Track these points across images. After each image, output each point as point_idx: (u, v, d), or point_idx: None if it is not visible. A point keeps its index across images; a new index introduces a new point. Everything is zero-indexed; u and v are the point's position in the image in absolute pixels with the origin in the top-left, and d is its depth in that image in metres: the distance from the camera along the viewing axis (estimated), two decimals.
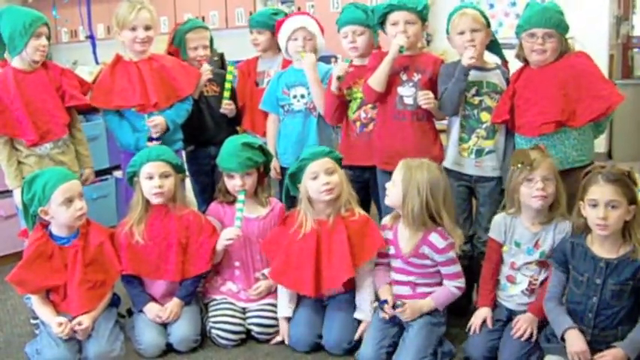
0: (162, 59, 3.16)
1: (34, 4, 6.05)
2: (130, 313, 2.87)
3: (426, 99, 2.79)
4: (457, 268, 2.59)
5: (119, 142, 3.17)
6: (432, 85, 2.87)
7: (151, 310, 2.75)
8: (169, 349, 2.73)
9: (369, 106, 3.02)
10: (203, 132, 3.36)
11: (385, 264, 2.70)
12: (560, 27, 2.63)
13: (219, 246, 2.81)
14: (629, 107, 2.72)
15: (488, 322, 2.56)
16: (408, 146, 2.82)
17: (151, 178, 2.75)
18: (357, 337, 2.65)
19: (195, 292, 2.89)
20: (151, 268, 2.77)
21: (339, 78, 2.96)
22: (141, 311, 2.78)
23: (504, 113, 2.71)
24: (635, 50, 6.48)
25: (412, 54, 2.89)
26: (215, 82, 3.38)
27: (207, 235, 2.82)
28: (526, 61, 2.73)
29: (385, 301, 2.57)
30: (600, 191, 2.23)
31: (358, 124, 3.09)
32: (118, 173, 4.11)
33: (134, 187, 2.82)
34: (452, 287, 2.58)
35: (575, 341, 2.28)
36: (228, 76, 3.34)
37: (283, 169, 3.24)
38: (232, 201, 2.91)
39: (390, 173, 2.66)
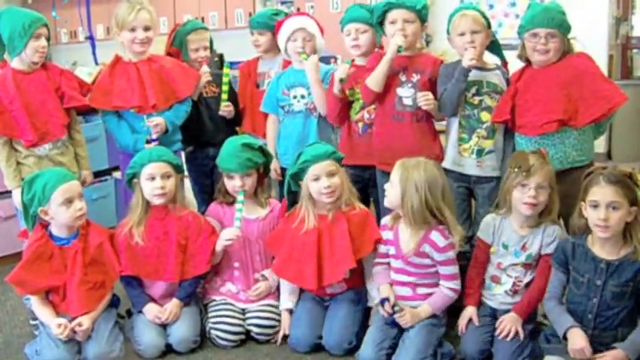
0: (161, 60, 3.15)
1: (33, 5, 6.06)
2: (129, 314, 2.87)
3: (425, 100, 2.79)
4: (455, 269, 2.59)
5: (118, 142, 3.17)
6: (431, 85, 2.87)
7: (151, 310, 2.75)
8: (169, 349, 2.73)
9: (373, 107, 3.01)
10: (202, 133, 3.36)
11: (385, 264, 2.69)
12: (562, 27, 2.63)
13: (219, 246, 2.81)
14: (629, 108, 2.72)
15: (475, 320, 2.58)
16: (407, 147, 2.82)
17: (152, 179, 2.74)
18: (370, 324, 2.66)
19: (195, 293, 2.89)
20: (150, 269, 2.76)
21: (341, 80, 2.96)
22: (140, 312, 2.77)
23: (505, 113, 2.71)
24: (635, 51, 6.47)
25: (411, 54, 2.89)
26: (214, 83, 3.38)
27: (206, 236, 2.82)
28: (528, 61, 2.73)
29: (386, 299, 2.57)
30: (601, 192, 2.23)
31: (361, 124, 3.09)
32: (117, 174, 4.11)
33: (133, 188, 2.82)
34: (447, 289, 2.58)
35: (577, 339, 2.28)
36: (225, 78, 3.34)
37: (284, 170, 3.24)
38: (232, 202, 2.91)
39: (389, 174, 2.66)
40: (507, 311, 2.55)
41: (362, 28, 3.02)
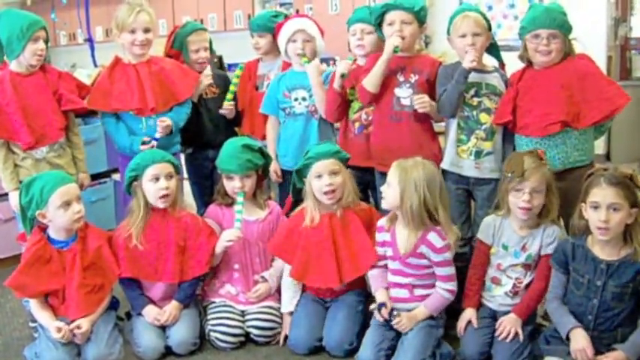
0: (161, 62, 3.15)
1: (32, 7, 6.06)
2: (128, 316, 2.87)
3: (420, 103, 2.80)
4: (451, 270, 2.58)
5: (116, 144, 3.17)
6: (429, 86, 2.87)
7: (150, 312, 2.75)
8: (168, 352, 2.73)
9: (371, 108, 3.01)
10: (202, 134, 3.35)
11: (382, 267, 2.69)
12: (564, 28, 2.63)
13: (219, 248, 2.81)
14: (628, 109, 2.72)
15: (474, 323, 2.58)
16: (405, 147, 2.82)
17: (157, 179, 2.74)
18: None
19: (194, 295, 2.89)
20: (149, 271, 2.76)
21: (342, 75, 2.96)
22: (139, 314, 2.77)
23: (507, 114, 2.70)
24: (634, 52, 6.47)
25: (409, 55, 2.89)
26: (214, 84, 3.37)
27: (205, 237, 2.82)
28: (529, 62, 2.73)
29: (383, 304, 2.57)
30: (602, 194, 2.23)
31: (357, 124, 3.09)
32: (116, 176, 4.11)
33: (132, 191, 2.80)
34: (443, 291, 2.57)
35: (580, 339, 2.28)
36: (235, 79, 3.33)
37: (284, 172, 3.24)
38: (231, 203, 2.91)
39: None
40: (507, 313, 2.55)
41: (367, 29, 3.03)
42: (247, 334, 2.79)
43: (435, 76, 2.86)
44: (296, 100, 3.19)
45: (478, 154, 2.81)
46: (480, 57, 2.77)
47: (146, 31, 3.02)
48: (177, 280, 2.79)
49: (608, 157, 5.75)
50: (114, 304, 2.79)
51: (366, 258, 2.67)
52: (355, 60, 3.11)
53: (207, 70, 3.30)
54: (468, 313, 2.62)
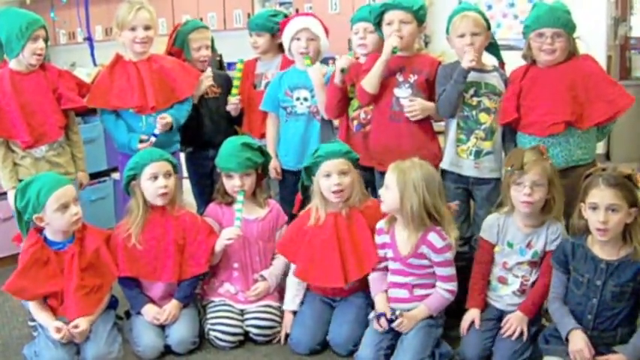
0: (162, 60, 3.14)
1: (32, 6, 6.05)
2: (127, 315, 2.87)
3: (410, 112, 2.80)
4: (452, 271, 2.58)
5: (115, 142, 3.17)
6: (428, 86, 2.87)
7: (149, 311, 2.75)
8: (167, 350, 2.73)
9: (370, 107, 3.01)
10: (202, 134, 3.35)
11: (382, 269, 2.68)
12: (568, 26, 2.63)
13: (219, 246, 2.81)
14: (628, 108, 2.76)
15: (476, 324, 2.56)
16: (405, 147, 2.82)
17: (155, 178, 2.73)
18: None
19: (194, 294, 2.88)
20: (148, 270, 2.76)
21: (342, 70, 2.96)
22: (139, 313, 2.77)
23: (512, 112, 2.70)
24: (633, 51, 6.47)
25: (409, 55, 2.89)
26: (216, 83, 3.37)
27: (204, 236, 2.82)
28: (533, 61, 2.73)
29: (383, 314, 2.55)
30: (600, 195, 2.23)
31: (355, 122, 3.10)
32: (115, 175, 4.11)
33: (131, 191, 2.80)
34: (443, 291, 2.56)
35: (578, 341, 2.28)
36: (237, 74, 3.33)
37: (284, 171, 3.24)
38: (230, 202, 2.91)
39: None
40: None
41: (370, 29, 3.02)
42: (246, 333, 2.79)
43: (435, 75, 2.86)
44: (298, 99, 3.19)
45: (478, 153, 2.80)
46: (479, 56, 2.77)
47: (146, 28, 3.01)
48: (176, 279, 2.78)
49: (607, 156, 5.75)
50: (113, 303, 2.78)
51: (369, 258, 2.67)
52: (358, 58, 3.11)
53: (208, 71, 3.30)
54: (472, 314, 2.60)
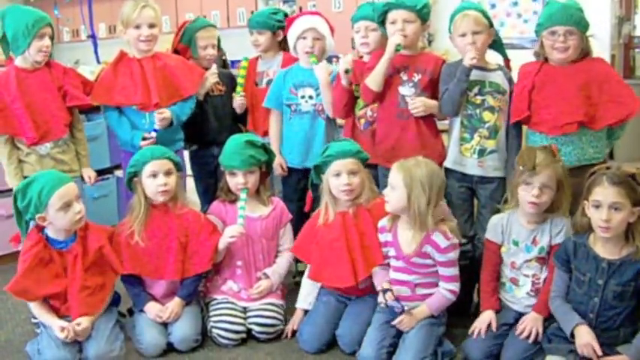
0: (166, 58, 3.15)
1: (35, 3, 6.05)
2: (130, 312, 2.87)
3: (414, 108, 2.81)
4: (455, 271, 2.57)
5: (118, 139, 3.17)
6: (432, 85, 2.87)
7: (152, 309, 2.75)
8: (170, 348, 2.73)
9: (376, 105, 3.01)
10: (207, 132, 3.35)
11: (384, 265, 2.68)
12: (581, 24, 2.62)
13: (222, 244, 2.81)
14: None
15: (493, 326, 2.54)
16: (411, 145, 2.83)
17: (154, 176, 2.74)
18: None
19: (196, 292, 2.89)
20: (151, 268, 2.76)
21: (347, 71, 2.96)
22: (141, 311, 2.77)
23: (524, 110, 2.69)
24: (637, 50, 6.45)
25: (412, 54, 2.89)
26: (221, 81, 3.37)
27: (207, 234, 2.82)
28: (545, 59, 2.72)
29: (390, 290, 2.53)
30: (604, 193, 2.23)
31: (363, 121, 3.10)
32: (119, 172, 4.11)
33: (133, 187, 2.81)
34: (445, 291, 2.56)
35: (584, 335, 2.27)
36: (242, 72, 3.33)
37: (289, 169, 3.23)
38: (234, 200, 2.91)
39: None
40: None
41: (371, 27, 3.03)
42: (249, 331, 2.80)
43: (439, 74, 2.86)
44: (303, 97, 3.19)
45: (481, 152, 2.80)
46: (482, 55, 2.77)
47: (151, 26, 3.02)
48: (179, 277, 2.79)
49: (611, 155, 5.73)
50: (115, 300, 2.78)
51: (376, 257, 2.66)
52: (361, 57, 3.11)
53: (213, 69, 3.30)
54: (487, 316, 2.57)
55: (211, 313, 2.81)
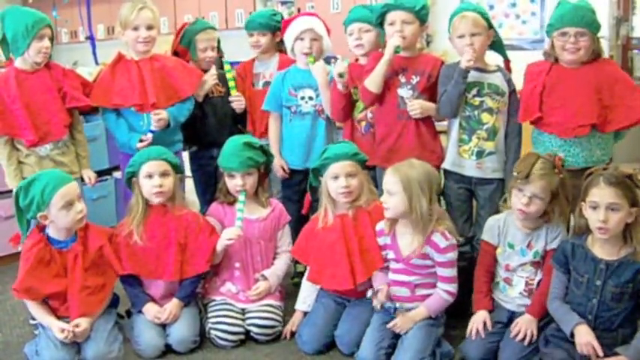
0: (164, 59, 3.15)
1: (34, 5, 6.05)
2: (129, 314, 2.87)
3: (412, 110, 2.82)
4: (453, 272, 2.57)
5: (116, 141, 3.17)
6: (431, 86, 2.87)
7: (150, 310, 2.75)
8: (168, 349, 2.73)
9: (375, 106, 3.01)
10: (207, 133, 3.35)
11: (384, 267, 2.68)
12: (592, 26, 2.61)
13: (220, 246, 2.81)
14: None
15: (488, 325, 2.54)
16: (410, 146, 2.84)
17: (150, 176, 2.75)
18: None
19: (195, 293, 2.89)
20: (149, 268, 2.76)
21: (341, 75, 2.96)
22: (140, 312, 2.77)
23: (535, 110, 2.68)
24: (635, 51, 6.45)
25: (411, 55, 2.89)
26: (220, 82, 3.37)
27: (206, 236, 2.82)
28: (555, 60, 2.71)
29: (380, 290, 2.54)
30: (601, 194, 2.23)
31: (363, 123, 3.10)
32: (117, 174, 4.12)
33: (132, 187, 2.82)
34: (443, 292, 2.56)
35: (584, 334, 2.28)
36: (228, 74, 3.34)
37: (290, 170, 3.23)
38: (233, 201, 2.91)
39: None
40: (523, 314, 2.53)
41: (365, 28, 3.03)
42: (247, 333, 2.79)
43: (438, 75, 2.86)
44: (302, 98, 3.19)
45: (480, 154, 2.80)
46: (480, 56, 2.77)
47: (149, 28, 3.02)
48: (177, 278, 2.79)
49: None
50: (114, 302, 2.78)
51: (375, 260, 2.65)
52: (357, 59, 3.11)
53: (213, 70, 3.30)
54: (482, 315, 2.57)
55: (210, 315, 2.81)
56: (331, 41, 3.27)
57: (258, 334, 2.78)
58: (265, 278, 2.90)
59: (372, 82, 2.84)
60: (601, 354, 2.24)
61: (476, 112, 2.80)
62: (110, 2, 6.86)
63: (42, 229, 2.61)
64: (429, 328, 2.54)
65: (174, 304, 2.76)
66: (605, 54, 5.65)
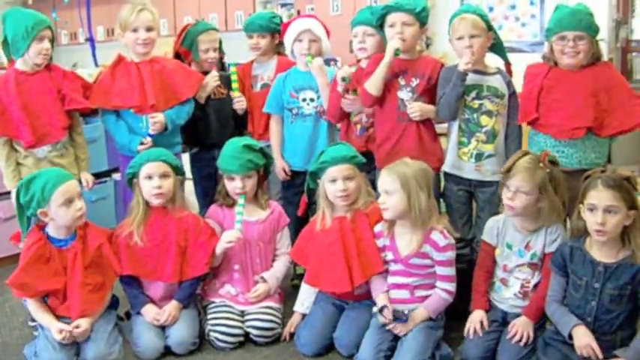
0: (164, 61, 3.15)
1: (33, 6, 6.06)
2: (128, 315, 2.87)
3: (412, 113, 2.83)
4: (452, 271, 2.58)
5: (116, 143, 3.17)
6: (431, 89, 2.88)
7: (149, 312, 2.75)
8: (167, 351, 2.73)
9: (370, 110, 3.01)
10: (208, 135, 3.34)
11: (382, 272, 2.67)
12: (591, 29, 2.62)
13: (219, 249, 2.81)
14: None
15: (485, 324, 2.55)
16: (410, 147, 2.84)
17: (150, 178, 2.75)
18: None
19: (194, 295, 2.89)
20: (149, 269, 2.77)
21: (343, 79, 2.96)
22: (139, 313, 2.77)
23: (532, 112, 2.69)
24: (634, 54, 6.46)
25: (410, 58, 2.90)
26: (222, 84, 3.37)
27: (205, 238, 2.82)
28: (555, 64, 2.72)
29: (385, 306, 2.55)
30: (599, 196, 2.23)
31: (359, 126, 3.10)
32: (116, 176, 4.11)
33: (133, 189, 2.82)
34: (442, 291, 2.56)
35: (583, 336, 2.28)
36: (233, 76, 3.34)
37: (292, 172, 3.23)
38: (232, 204, 2.91)
39: None
40: (518, 315, 2.53)
41: (369, 31, 3.03)
42: (247, 335, 2.79)
43: (437, 77, 2.86)
44: (304, 100, 3.19)
45: (479, 156, 2.80)
46: (479, 58, 2.77)
47: (149, 29, 3.02)
48: (177, 280, 2.79)
49: (608, 159, 5.74)
50: (114, 303, 2.79)
51: (374, 262, 2.65)
52: (359, 61, 3.11)
53: (215, 72, 3.30)
54: (479, 315, 2.58)
55: (209, 317, 2.81)
56: (331, 43, 3.28)
57: (258, 336, 2.78)
58: (264, 280, 2.90)
59: (372, 85, 2.85)
60: (600, 356, 2.24)
61: (475, 115, 2.80)
62: (110, 4, 6.87)
63: (42, 227, 2.62)
64: (429, 330, 2.54)
65: (173, 305, 2.76)
66: (605, 57, 5.69)
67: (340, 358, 2.67)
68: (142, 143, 3.00)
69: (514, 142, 2.81)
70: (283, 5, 6.70)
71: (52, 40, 2.92)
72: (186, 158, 3.42)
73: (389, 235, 2.63)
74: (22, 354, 2.69)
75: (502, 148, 2.82)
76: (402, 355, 2.48)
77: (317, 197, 2.79)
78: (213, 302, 2.87)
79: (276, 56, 3.50)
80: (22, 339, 2.90)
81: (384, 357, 2.52)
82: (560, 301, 2.41)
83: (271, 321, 2.80)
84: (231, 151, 2.87)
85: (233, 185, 2.87)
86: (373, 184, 3.02)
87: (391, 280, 2.64)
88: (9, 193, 2.96)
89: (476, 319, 2.57)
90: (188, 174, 3.35)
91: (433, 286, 2.59)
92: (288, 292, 3.14)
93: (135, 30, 3.00)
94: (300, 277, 3.03)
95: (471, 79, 2.76)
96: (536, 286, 2.55)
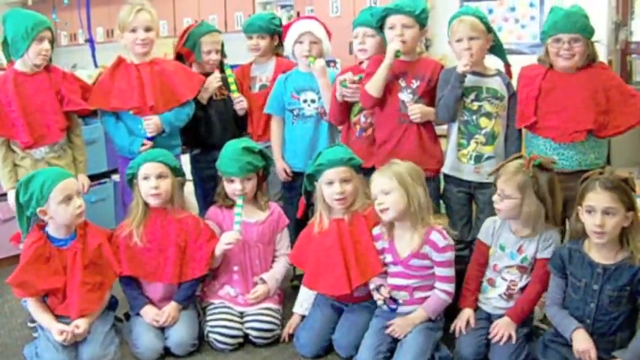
0: (164, 63, 3.15)
1: (33, 7, 6.06)
2: (127, 317, 2.87)
3: (413, 115, 2.83)
4: (451, 272, 2.58)
5: (116, 145, 3.17)
6: (431, 90, 2.88)
7: (148, 313, 2.75)
8: (167, 352, 2.73)
9: (371, 111, 3.01)
10: (210, 136, 3.35)
11: (382, 274, 2.67)
12: (585, 31, 2.62)
13: (219, 250, 2.81)
14: None
15: (472, 322, 2.57)
16: (411, 149, 2.84)
17: (147, 178, 2.75)
18: None
19: (193, 296, 2.89)
20: (148, 270, 2.77)
21: (343, 84, 2.96)
22: (138, 314, 2.77)
23: (530, 116, 2.69)
24: (634, 56, 6.47)
25: (411, 59, 2.90)
26: (223, 86, 3.37)
27: (205, 239, 2.82)
28: (550, 66, 2.72)
29: (381, 285, 2.56)
30: (597, 198, 2.24)
31: (357, 127, 3.10)
32: (116, 177, 4.11)
33: (133, 189, 2.83)
34: (440, 292, 2.56)
35: (582, 341, 2.28)
36: (230, 79, 3.35)
37: (293, 173, 3.23)
38: (231, 205, 2.92)
39: None
40: (501, 316, 2.54)
41: (369, 33, 3.03)
42: (246, 336, 2.79)
43: (437, 79, 2.86)
44: (305, 101, 3.19)
45: (478, 158, 2.80)
46: (477, 60, 2.77)
47: (147, 30, 3.02)
48: (176, 281, 2.79)
49: (607, 160, 5.74)
50: (112, 305, 2.79)
51: (372, 264, 2.65)
52: (361, 62, 3.11)
53: (217, 73, 3.31)
54: (466, 313, 2.60)
55: (208, 318, 2.81)
56: (331, 45, 3.28)
57: (257, 337, 2.78)
58: (264, 282, 2.90)
59: (373, 87, 2.85)
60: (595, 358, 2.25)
61: (474, 117, 2.80)
62: (109, 5, 6.86)
63: (42, 227, 2.63)
64: (428, 331, 2.54)
65: (172, 306, 2.76)
66: (604, 59, 5.70)
67: (339, 359, 2.67)
68: (143, 144, 3.00)
69: (514, 144, 2.81)
70: (283, 6, 6.69)
71: (52, 41, 2.93)
72: (186, 160, 3.42)
73: (388, 237, 2.63)
74: (21, 355, 2.69)
75: (502, 150, 2.82)
76: (402, 356, 2.48)
77: (314, 199, 2.79)
78: (213, 303, 2.87)
79: (275, 58, 3.50)
80: (21, 340, 2.90)
81: (384, 358, 2.52)
82: (560, 304, 2.41)
83: (270, 322, 2.80)
84: (231, 153, 2.87)
85: (232, 187, 2.87)
86: None
87: (391, 281, 2.64)
88: (7, 194, 2.96)
89: (463, 318, 2.59)
90: (188, 175, 3.36)
91: (433, 288, 2.59)
92: (287, 293, 3.14)
93: (133, 30, 3.01)
94: (300, 278, 3.02)
95: (470, 80, 2.76)
96: (522, 289, 2.56)
